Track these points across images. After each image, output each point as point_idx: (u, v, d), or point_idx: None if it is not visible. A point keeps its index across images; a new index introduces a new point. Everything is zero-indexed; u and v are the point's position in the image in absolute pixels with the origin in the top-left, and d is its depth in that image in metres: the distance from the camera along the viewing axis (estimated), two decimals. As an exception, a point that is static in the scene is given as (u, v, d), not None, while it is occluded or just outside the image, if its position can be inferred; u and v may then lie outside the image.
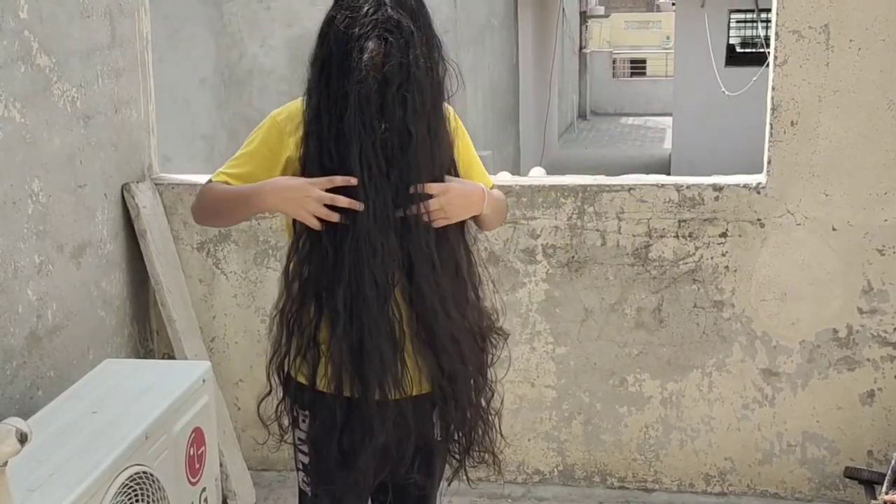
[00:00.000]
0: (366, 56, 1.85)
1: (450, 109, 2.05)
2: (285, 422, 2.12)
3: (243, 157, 2.07)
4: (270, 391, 2.08)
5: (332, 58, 1.91)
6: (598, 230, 3.24)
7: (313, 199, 1.89)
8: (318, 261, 1.95)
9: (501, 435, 2.17)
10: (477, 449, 2.12)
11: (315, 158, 1.93)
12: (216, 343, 3.51)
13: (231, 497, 3.26)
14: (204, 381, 2.66)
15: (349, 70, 1.87)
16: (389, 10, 1.89)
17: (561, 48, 18.87)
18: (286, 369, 2.05)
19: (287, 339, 2.02)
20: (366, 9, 1.89)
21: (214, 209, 2.08)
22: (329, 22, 1.94)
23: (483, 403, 2.10)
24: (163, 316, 3.31)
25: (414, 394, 2.01)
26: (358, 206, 1.88)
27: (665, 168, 14.77)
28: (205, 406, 2.64)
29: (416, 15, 1.93)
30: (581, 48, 24.12)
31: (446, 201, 1.96)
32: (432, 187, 1.94)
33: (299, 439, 2.10)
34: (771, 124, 3.10)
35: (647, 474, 3.41)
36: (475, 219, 2.09)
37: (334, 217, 1.89)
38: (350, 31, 1.88)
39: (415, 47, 1.89)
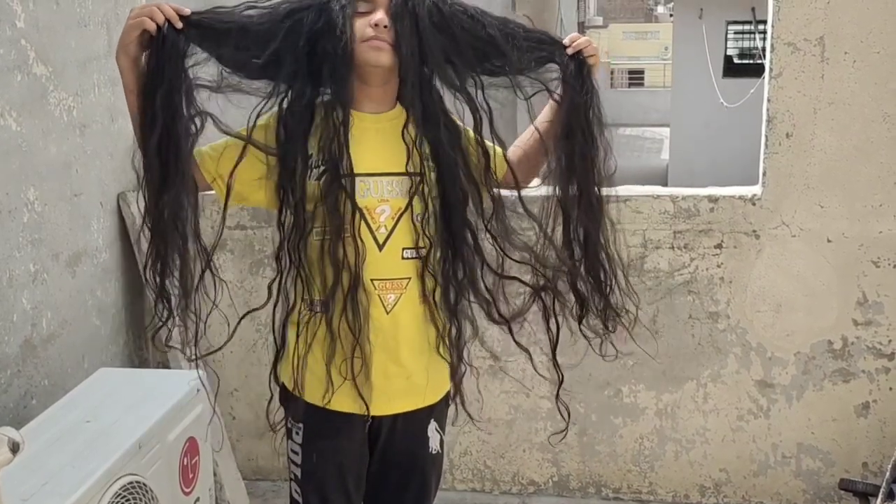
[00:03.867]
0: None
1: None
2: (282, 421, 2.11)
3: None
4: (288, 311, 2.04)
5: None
6: (593, 241, 3.23)
7: (136, 9, 1.72)
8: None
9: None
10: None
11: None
12: (211, 352, 3.50)
13: (225, 507, 3.25)
14: (198, 390, 2.66)
15: (319, 33, 1.76)
16: None
17: (559, 58, 18.86)
18: (280, 377, 2.05)
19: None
20: None
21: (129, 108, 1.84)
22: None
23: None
24: (158, 325, 3.30)
25: (405, 411, 2.00)
26: (177, 22, 1.72)
27: (662, 178, 14.76)
28: (199, 415, 2.64)
29: None
30: (579, 58, 24.12)
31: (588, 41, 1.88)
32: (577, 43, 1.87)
33: (292, 451, 2.09)
34: (766, 136, 3.10)
35: (642, 485, 3.41)
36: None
37: (159, 18, 1.69)
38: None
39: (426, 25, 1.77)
